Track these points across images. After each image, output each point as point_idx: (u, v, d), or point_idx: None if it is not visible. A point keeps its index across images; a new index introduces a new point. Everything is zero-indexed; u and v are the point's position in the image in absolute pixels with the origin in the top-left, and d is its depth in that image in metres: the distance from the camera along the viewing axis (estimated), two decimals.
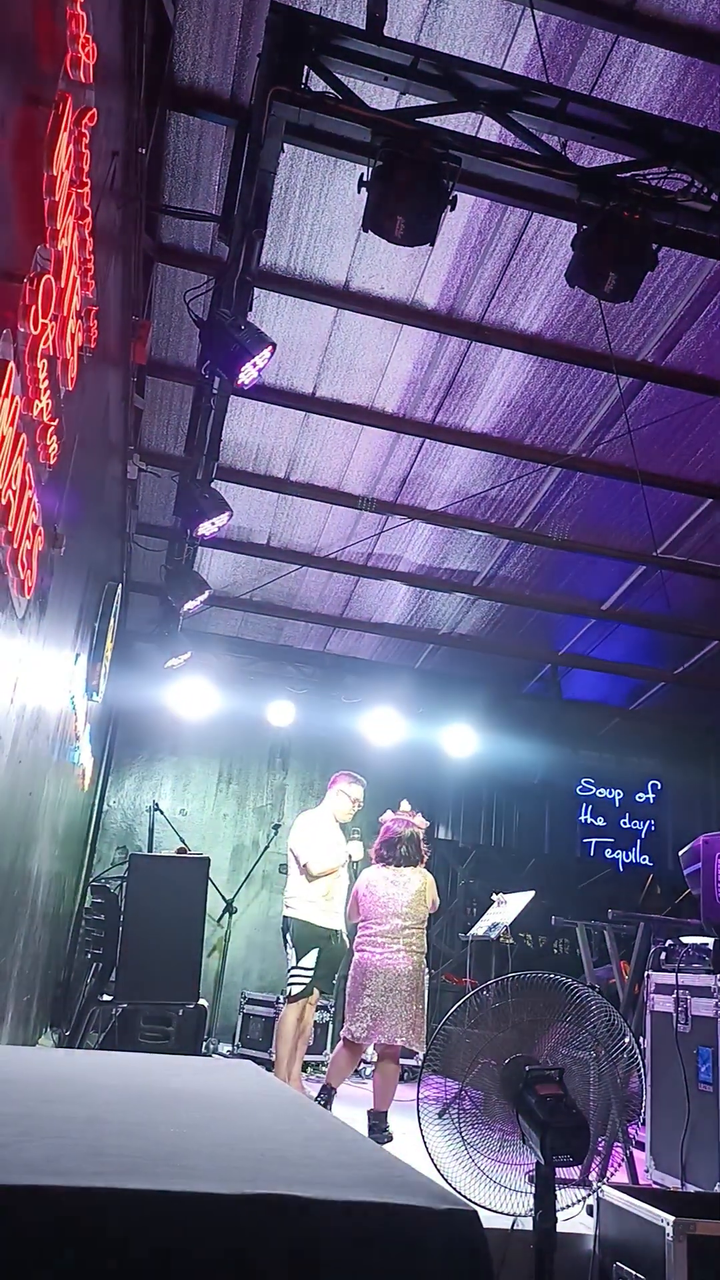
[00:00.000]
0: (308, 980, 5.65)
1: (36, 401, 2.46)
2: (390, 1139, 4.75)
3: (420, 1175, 1.56)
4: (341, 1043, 5.20)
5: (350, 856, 5.79)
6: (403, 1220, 1.27)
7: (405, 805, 5.77)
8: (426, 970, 5.27)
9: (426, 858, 5.40)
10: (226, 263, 4.68)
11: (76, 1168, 1.30)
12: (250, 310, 4.73)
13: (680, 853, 4.69)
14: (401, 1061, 7.28)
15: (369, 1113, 4.91)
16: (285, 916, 5.86)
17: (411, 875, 5.24)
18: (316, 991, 5.75)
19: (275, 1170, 1.45)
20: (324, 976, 5.79)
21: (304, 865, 5.81)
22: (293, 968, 5.71)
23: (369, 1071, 6.43)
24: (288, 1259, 1.19)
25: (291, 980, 5.69)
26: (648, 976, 4.45)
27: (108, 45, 2.94)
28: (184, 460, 6.35)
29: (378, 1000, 4.95)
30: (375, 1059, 5.26)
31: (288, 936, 5.81)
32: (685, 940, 4.39)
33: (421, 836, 5.42)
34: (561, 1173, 2.53)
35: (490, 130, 3.98)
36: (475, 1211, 1.34)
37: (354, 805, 6.04)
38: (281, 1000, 6.30)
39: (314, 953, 5.67)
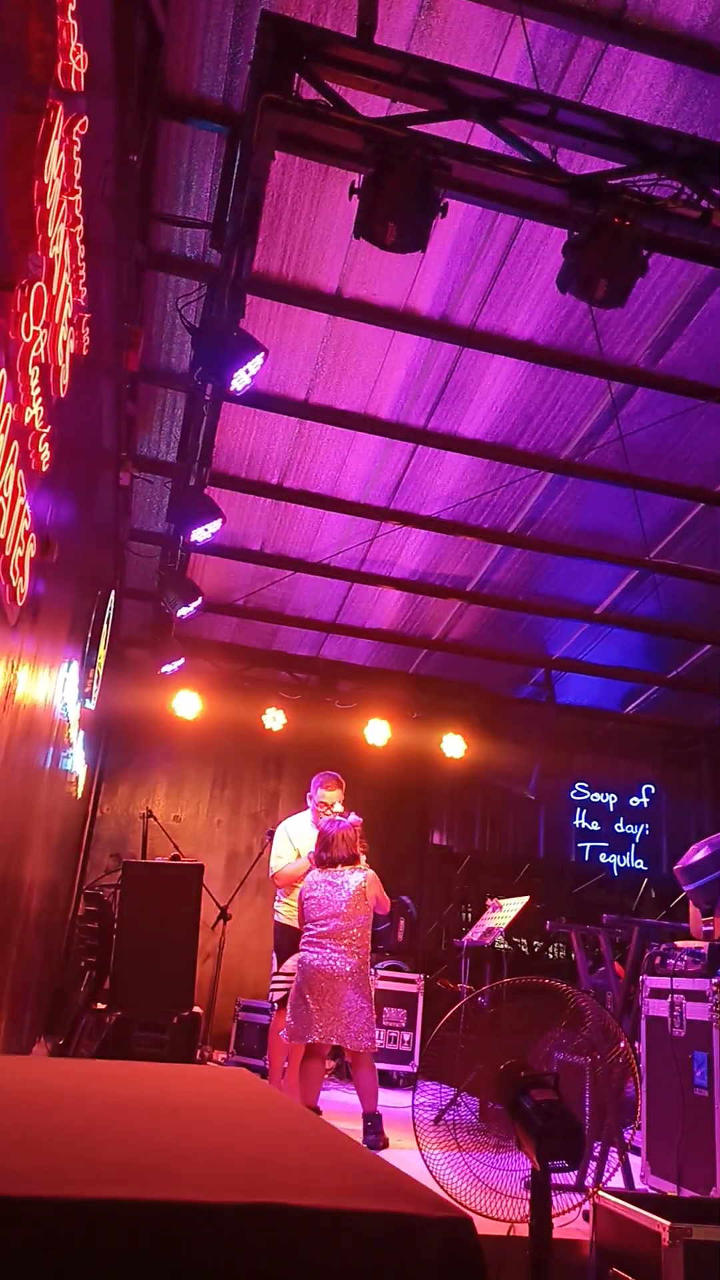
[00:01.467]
0: (290, 987, 5.59)
1: (28, 409, 2.46)
2: (385, 1144, 4.74)
3: (415, 1182, 1.55)
4: (302, 1055, 5.02)
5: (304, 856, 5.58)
6: (397, 1228, 1.27)
7: (338, 806, 5.64)
8: (372, 970, 5.19)
9: (364, 854, 5.24)
10: (218, 269, 4.70)
11: (69, 1178, 1.29)
12: (242, 317, 4.74)
13: (680, 866, 4.56)
14: (399, 1068, 7.31)
15: (364, 1115, 4.90)
16: (274, 922, 5.85)
17: (350, 875, 5.10)
18: None
19: (269, 1179, 1.44)
20: None
21: (273, 874, 5.86)
22: (274, 974, 5.68)
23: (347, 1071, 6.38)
24: (282, 1268, 1.19)
25: (273, 986, 5.67)
26: (642, 981, 4.45)
27: (99, 53, 2.95)
28: (177, 466, 6.35)
29: (318, 1001, 4.87)
30: (350, 1064, 5.18)
31: (275, 941, 5.80)
32: (680, 944, 4.39)
33: (357, 835, 5.23)
34: (557, 1178, 2.52)
35: (481, 138, 3.99)
36: (470, 1219, 1.33)
37: (324, 808, 5.74)
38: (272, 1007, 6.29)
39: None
